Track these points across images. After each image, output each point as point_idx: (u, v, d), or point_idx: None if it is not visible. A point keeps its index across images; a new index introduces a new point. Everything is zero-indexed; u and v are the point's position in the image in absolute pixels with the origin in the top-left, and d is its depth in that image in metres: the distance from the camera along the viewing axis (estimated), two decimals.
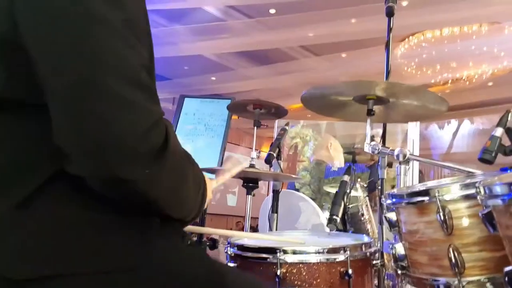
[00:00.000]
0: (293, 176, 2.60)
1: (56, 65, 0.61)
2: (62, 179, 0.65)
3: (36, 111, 0.65)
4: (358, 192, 2.41)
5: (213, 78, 8.52)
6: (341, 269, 1.17)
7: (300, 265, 1.16)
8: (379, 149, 1.52)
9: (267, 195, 3.31)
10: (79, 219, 0.66)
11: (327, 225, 1.76)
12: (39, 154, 0.66)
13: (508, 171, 1.08)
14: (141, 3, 0.69)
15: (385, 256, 1.40)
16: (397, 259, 1.15)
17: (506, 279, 0.75)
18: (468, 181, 1.06)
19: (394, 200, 1.15)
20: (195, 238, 2.11)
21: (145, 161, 0.63)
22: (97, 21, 0.60)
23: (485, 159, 1.23)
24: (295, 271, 1.16)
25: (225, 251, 1.31)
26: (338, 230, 1.73)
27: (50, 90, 0.62)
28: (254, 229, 3.88)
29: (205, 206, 0.85)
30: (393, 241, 1.26)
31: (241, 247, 1.26)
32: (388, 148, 1.53)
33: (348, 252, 1.19)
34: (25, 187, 0.63)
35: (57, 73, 0.60)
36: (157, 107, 0.66)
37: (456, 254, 0.98)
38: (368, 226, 2.33)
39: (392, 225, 1.17)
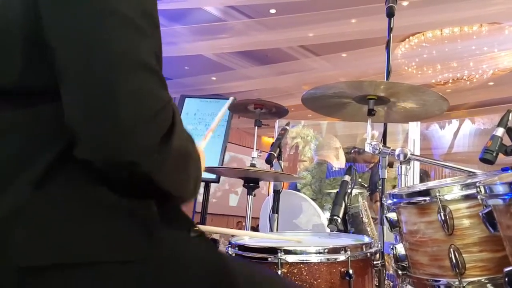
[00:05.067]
0: (294, 176, 2.60)
1: (70, 55, 0.63)
2: (70, 165, 0.66)
3: (46, 94, 0.67)
4: (362, 190, 2.42)
5: (214, 78, 8.52)
6: (342, 269, 1.17)
7: (301, 265, 1.16)
8: (379, 149, 1.52)
9: (268, 195, 3.31)
10: (88, 207, 0.66)
11: (328, 226, 1.76)
12: (47, 135, 0.67)
13: (509, 170, 1.08)
14: None
15: (385, 257, 1.40)
16: (397, 259, 1.15)
17: (507, 279, 0.75)
18: (469, 181, 1.06)
19: (394, 200, 1.15)
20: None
21: (151, 146, 0.64)
22: (111, 11, 0.63)
23: (486, 159, 1.23)
24: (296, 271, 1.16)
25: (226, 251, 1.31)
26: (339, 230, 1.73)
27: (64, 75, 0.64)
28: (255, 229, 3.88)
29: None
30: (394, 241, 1.26)
31: (242, 247, 1.26)
32: (389, 148, 1.53)
33: (348, 252, 1.19)
34: (35, 170, 0.64)
35: (72, 61, 0.63)
36: (165, 91, 0.68)
37: (456, 255, 0.98)
38: (368, 229, 2.34)
39: (393, 225, 1.17)
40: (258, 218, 3.06)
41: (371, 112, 1.50)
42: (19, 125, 0.68)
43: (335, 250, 1.19)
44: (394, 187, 2.16)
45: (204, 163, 0.95)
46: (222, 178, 2.74)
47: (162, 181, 0.70)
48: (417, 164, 2.83)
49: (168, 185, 0.72)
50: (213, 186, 2.98)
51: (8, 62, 0.68)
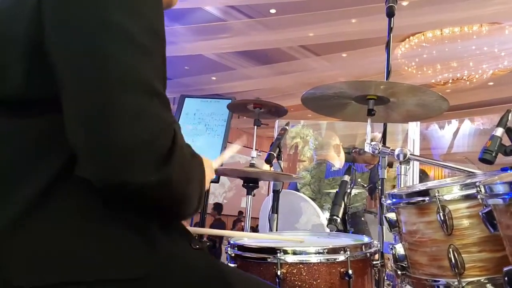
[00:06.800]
0: (293, 176, 2.60)
1: (72, 73, 0.62)
2: (71, 181, 0.65)
3: (47, 107, 0.66)
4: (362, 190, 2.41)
5: (214, 78, 8.52)
6: (341, 270, 1.17)
7: (300, 265, 1.16)
8: (379, 149, 1.52)
9: (267, 195, 3.31)
10: (88, 224, 0.66)
11: (327, 226, 1.76)
12: (49, 147, 0.67)
13: (509, 170, 1.08)
14: (159, 7, 0.71)
15: (385, 257, 1.40)
16: (397, 259, 1.14)
17: (506, 279, 0.75)
18: (469, 181, 1.05)
19: (394, 200, 1.15)
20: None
21: (150, 167, 0.63)
22: (115, 31, 0.62)
23: (486, 159, 1.23)
24: (295, 271, 1.16)
25: (226, 251, 1.31)
26: (338, 230, 1.73)
27: (64, 93, 0.63)
28: (254, 229, 3.88)
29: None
30: (393, 241, 1.26)
31: (242, 248, 1.26)
32: (389, 148, 1.53)
33: (348, 253, 1.19)
34: (34, 185, 0.64)
35: (72, 80, 0.62)
36: (167, 113, 0.67)
37: (456, 255, 0.98)
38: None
39: (392, 225, 1.16)
40: (258, 218, 3.05)
41: (371, 112, 1.50)
42: (22, 135, 0.67)
43: (335, 250, 1.19)
44: (393, 187, 2.16)
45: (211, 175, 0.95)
46: (233, 180, 2.74)
47: (162, 200, 0.70)
48: (416, 164, 2.83)
49: (168, 203, 0.72)
50: (224, 187, 2.99)
51: (11, 71, 0.67)
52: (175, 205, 0.74)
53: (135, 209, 0.69)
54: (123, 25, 0.63)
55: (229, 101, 2.58)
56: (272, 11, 6.42)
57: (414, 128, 3.01)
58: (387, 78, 1.76)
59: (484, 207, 0.84)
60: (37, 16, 0.65)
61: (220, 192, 11.08)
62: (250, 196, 2.05)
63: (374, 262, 1.30)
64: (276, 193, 2.12)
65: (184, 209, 0.77)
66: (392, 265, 1.18)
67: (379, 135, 2.50)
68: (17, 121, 0.67)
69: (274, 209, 2.08)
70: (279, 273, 1.14)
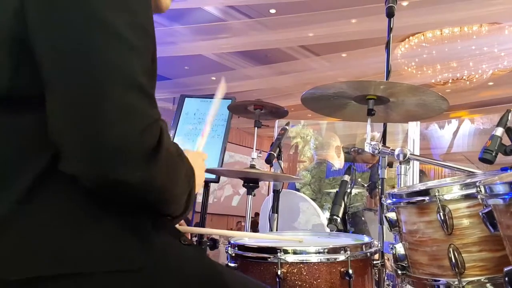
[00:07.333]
0: (293, 176, 2.60)
1: (57, 68, 0.62)
2: (59, 176, 0.65)
3: (34, 105, 0.66)
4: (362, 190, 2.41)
5: (213, 78, 8.52)
6: (342, 269, 1.18)
7: (301, 265, 1.17)
8: (379, 149, 1.52)
9: (268, 195, 3.31)
10: (79, 217, 0.66)
11: (327, 225, 1.76)
12: (34, 147, 0.66)
13: (509, 170, 1.08)
14: (148, 5, 0.69)
15: (385, 256, 1.41)
16: (397, 259, 1.15)
17: (506, 279, 0.75)
18: (469, 180, 1.06)
19: (394, 200, 1.15)
20: (195, 238, 2.12)
21: (137, 163, 0.63)
22: (101, 25, 0.62)
23: (486, 158, 1.23)
24: (295, 271, 1.16)
25: (226, 251, 1.31)
26: (338, 230, 1.73)
27: (50, 90, 0.63)
28: (254, 228, 3.88)
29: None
30: (393, 241, 1.26)
31: (242, 247, 1.26)
32: (389, 148, 1.53)
33: (348, 252, 1.19)
34: (23, 181, 0.64)
35: (58, 78, 0.62)
36: (153, 109, 0.67)
37: (456, 254, 0.98)
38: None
39: (392, 225, 1.17)
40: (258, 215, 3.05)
41: (370, 112, 1.50)
42: (7, 133, 0.67)
43: (335, 250, 1.19)
44: (393, 186, 2.16)
45: (203, 172, 0.94)
46: (225, 178, 2.74)
47: (149, 197, 0.69)
48: (416, 164, 2.84)
49: (155, 201, 0.71)
50: (215, 185, 2.99)
51: None
52: (162, 204, 0.73)
53: (125, 206, 0.69)
54: (110, 22, 0.62)
55: (229, 101, 2.58)
56: (272, 11, 6.42)
57: (414, 128, 3.01)
58: (387, 78, 1.76)
59: (484, 207, 0.84)
60: (20, 14, 0.64)
61: (211, 190, 10.98)
62: (250, 196, 2.05)
63: (375, 262, 1.31)
64: (276, 193, 2.12)
65: (172, 208, 0.77)
66: (392, 264, 1.18)
67: (378, 135, 2.50)
68: (3, 118, 0.67)
69: (274, 209, 2.08)
70: (279, 272, 1.14)
